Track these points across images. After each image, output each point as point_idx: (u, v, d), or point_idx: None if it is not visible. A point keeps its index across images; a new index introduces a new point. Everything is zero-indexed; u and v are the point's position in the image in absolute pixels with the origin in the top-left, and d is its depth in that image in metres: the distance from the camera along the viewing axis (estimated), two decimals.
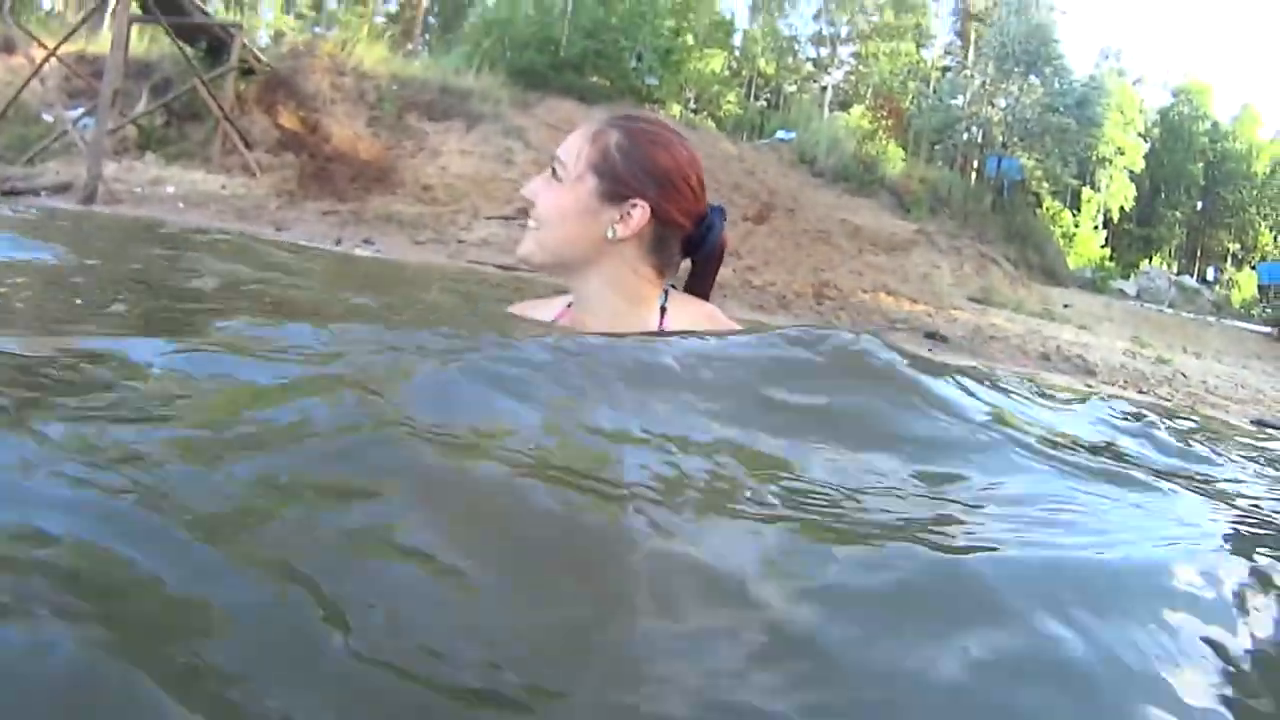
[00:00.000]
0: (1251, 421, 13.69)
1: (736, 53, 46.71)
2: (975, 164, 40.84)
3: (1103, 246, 46.27)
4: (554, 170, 2.50)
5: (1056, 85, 40.56)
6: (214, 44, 25.92)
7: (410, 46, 43.77)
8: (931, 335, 18.14)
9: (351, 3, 49.61)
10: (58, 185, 20.06)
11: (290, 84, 26.46)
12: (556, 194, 2.51)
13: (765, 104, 48.02)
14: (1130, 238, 51.84)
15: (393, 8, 50.96)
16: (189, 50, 24.93)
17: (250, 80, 26.03)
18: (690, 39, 38.34)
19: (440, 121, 28.07)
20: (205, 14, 26.91)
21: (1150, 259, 48.86)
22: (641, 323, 2.54)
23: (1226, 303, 45.90)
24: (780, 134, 34.36)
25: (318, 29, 45.73)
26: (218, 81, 24.69)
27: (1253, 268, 50.37)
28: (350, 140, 25.80)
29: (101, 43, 27.26)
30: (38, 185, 20.06)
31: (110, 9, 26.53)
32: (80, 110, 24.22)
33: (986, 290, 26.32)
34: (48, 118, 24.39)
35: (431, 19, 49.51)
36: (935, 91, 43.48)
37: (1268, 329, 34.12)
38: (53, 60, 24.00)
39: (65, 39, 24.70)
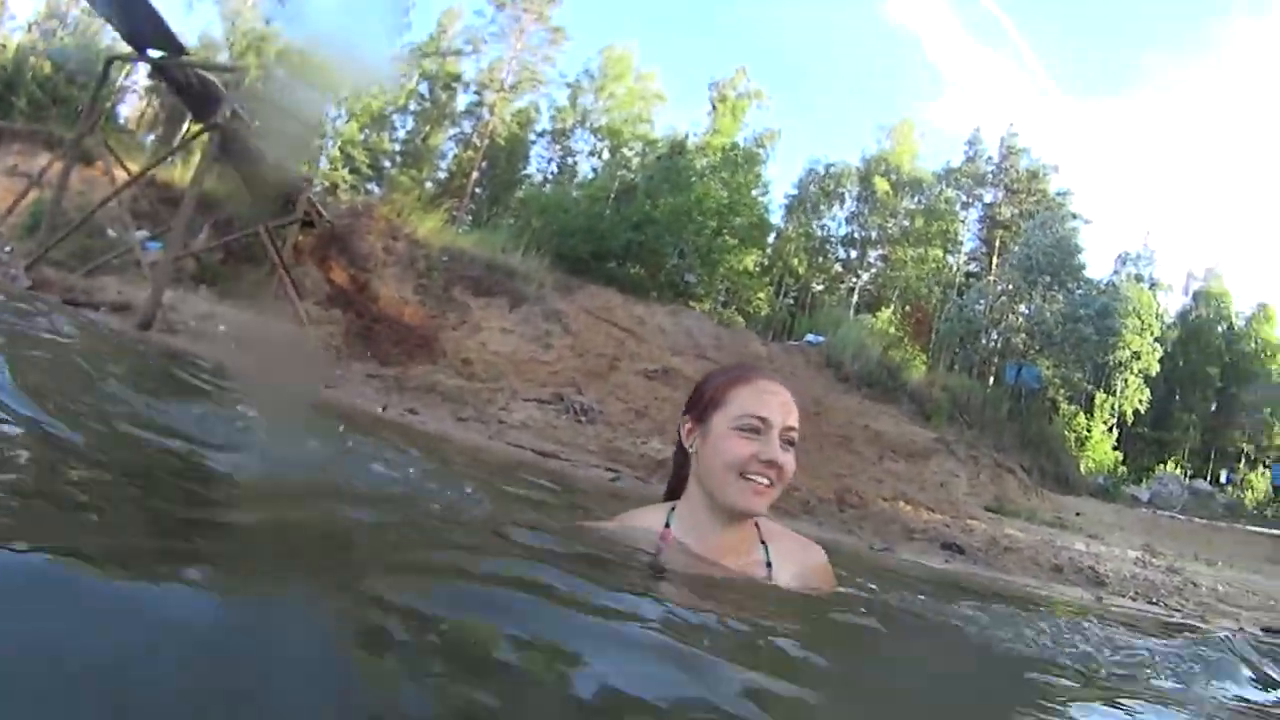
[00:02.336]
0: (1261, 629, 13.87)
1: (769, 250, 47.28)
2: (994, 370, 41.22)
3: (1115, 449, 46.23)
4: (792, 438, 3.01)
5: (1078, 295, 40.98)
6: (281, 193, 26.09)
7: (455, 214, 44.43)
8: (948, 546, 18.19)
9: (406, 166, 50.58)
10: (118, 304, 20.39)
11: (346, 241, 26.85)
12: (794, 458, 3.02)
13: (793, 301, 48.55)
14: (1144, 441, 51.49)
15: (443, 174, 51.92)
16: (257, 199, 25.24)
17: (309, 232, 26.26)
18: (731, 239, 38.97)
19: (484, 297, 28.46)
20: (281, 167, 27.28)
21: (1164, 463, 48.32)
22: (753, 543, 3.13)
23: (1240, 505, 45.55)
24: (810, 337, 34.62)
25: (371, 185, 46.85)
26: (280, 230, 24.95)
27: (1267, 467, 49.90)
28: (397, 304, 26.25)
29: (169, 169, 27.83)
30: (98, 300, 20.43)
31: (187, 140, 26.91)
32: (144, 233, 24.69)
33: (1001, 499, 26.25)
34: (111, 234, 24.80)
35: (479, 189, 50.43)
36: (960, 297, 44.03)
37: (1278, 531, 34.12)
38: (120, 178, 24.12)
39: (151, 167, 25.28)
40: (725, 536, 3.06)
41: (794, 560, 3.21)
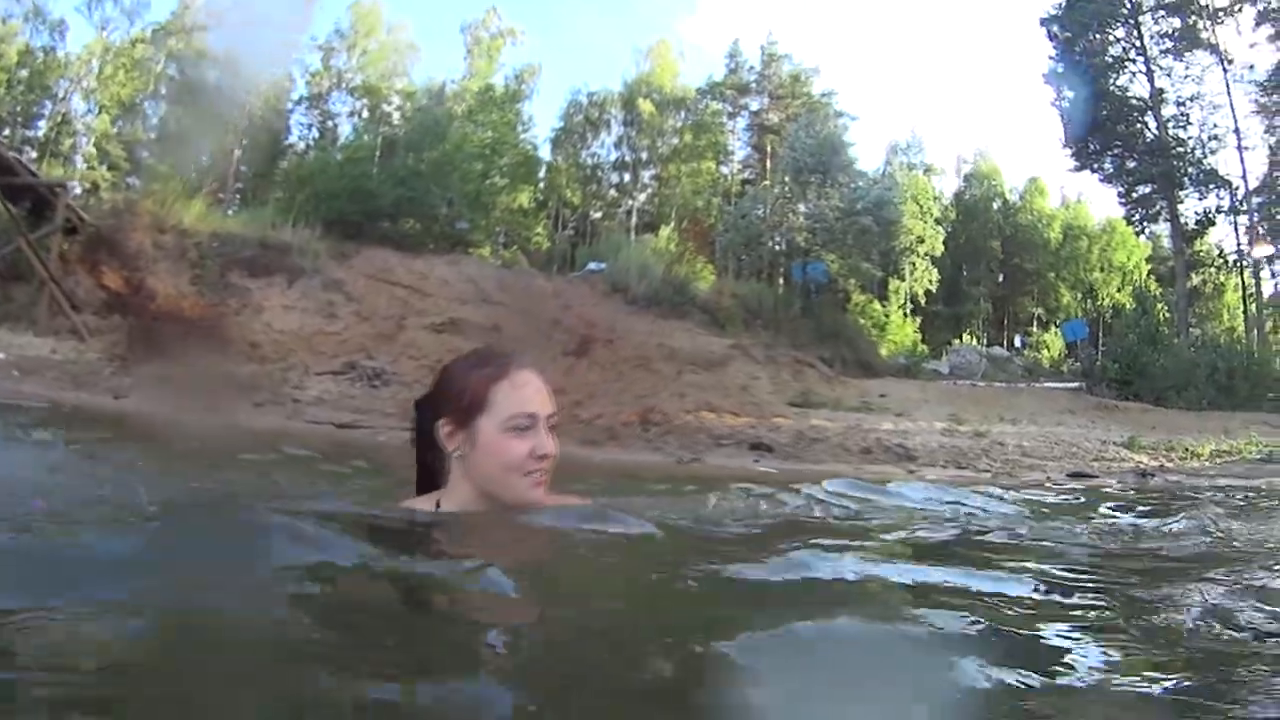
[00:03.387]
0: (1068, 474, 14.26)
1: (541, 185, 46.89)
2: (782, 272, 41.57)
3: (915, 331, 47.36)
4: (553, 423, 3.15)
5: (854, 189, 41.49)
6: (37, 203, 25.22)
7: (223, 196, 43.19)
8: (757, 446, 18.32)
9: (164, 152, 48.75)
10: None
11: (113, 243, 25.79)
12: (556, 442, 3.15)
13: (574, 232, 48.36)
14: (940, 319, 53.24)
15: (204, 158, 50.20)
16: (13, 210, 24.27)
17: (74, 240, 25.42)
18: (499, 179, 38.56)
19: (261, 277, 27.69)
20: (33, 173, 26.21)
21: (961, 336, 50.07)
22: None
23: (1037, 365, 47.22)
24: (591, 265, 34.63)
25: (130, 179, 45.09)
26: (42, 241, 24.12)
27: (1058, 327, 51.86)
28: (175, 299, 25.22)
29: None
30: None
31: None
32: None
33: (805, 393, 26.58)
34: None
35: (244, 167, 48.93)
36: (736, 207, 44.26)
37: (1076, 384, 35.21)
38: None
39: None
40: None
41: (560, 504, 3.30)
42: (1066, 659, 1.93)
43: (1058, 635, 2.15)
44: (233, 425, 15.34)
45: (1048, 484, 12.22)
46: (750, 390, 26.02)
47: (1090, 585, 2.87)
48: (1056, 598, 2.62)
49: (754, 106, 52.93)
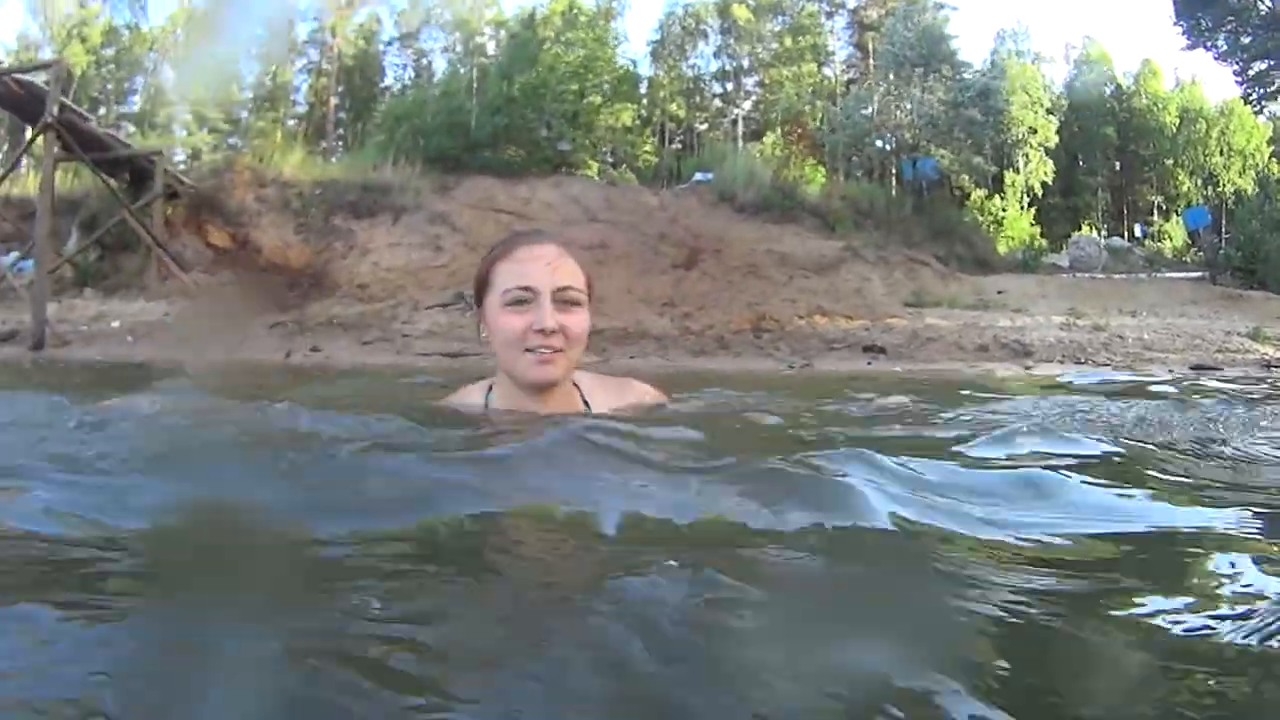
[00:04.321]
0: (1190, 367, 14.04)
1: (644, 101, 46.41)
2: (893, 171, 40.88)
3: (1032, 225, 46.50)
4: (571, 298, 3.05)
5: (959, 80, 40.66)
6: (137, 173, 25.84)
7: (324, 144, 43.53)
8: (870, 349, 18.13)
9: (262, 110, 49.23)
10: (3, 334, 20.01)
11: (215, 202, 26.38)
12: (581, 317, 3.09)
13: (680, 146, 47.87)
14: (1057, 211, 52.07)
15: (302, 108, 50.57)
16: (113, 183, 24.99)
17: (176, 204, 25.88)
18: (596, 98, 38.24)
19: (365, 219, 28.13)
20: (126, 145, 26.82)
21: (1080, 228, 49.01)
22: (575, 402, 3.25)
23: (1159, 256, 46.18)
24: (697, 176, 34.20)
25: (232, 141, 45.70)
26: (145, 210, 24.60)
27: (1180, 215, 50.47)
28: (281, 250, 25.92)
29: (22, 184, 27.15)
30: None
31: (24, 149, 26.44)
32: (12, 255, 24.09)
33: (919, 293, 26.37)
34: None
35: (342, 114, 49.17)
36: (841, 108, 43.52)
37: (1199, 274, 34.40)
38: None
39: None
40: (539, 403, 3.12)
41: (613, 400, 3.38)
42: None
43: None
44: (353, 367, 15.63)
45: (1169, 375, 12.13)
46: (863, 292, 25.92)
47: None
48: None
49: (851, 4, 51.86)
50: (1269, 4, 42.22)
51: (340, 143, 46.08)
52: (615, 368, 14.42)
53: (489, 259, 3.11)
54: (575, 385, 3.27)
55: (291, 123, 47.98)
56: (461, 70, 41.76)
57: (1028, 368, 15.19)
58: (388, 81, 51.16)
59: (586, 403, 3.23)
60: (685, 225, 28.06)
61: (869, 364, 15.75)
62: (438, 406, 3.42)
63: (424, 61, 50.39)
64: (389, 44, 51.47)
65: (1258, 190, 38.57)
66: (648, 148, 44.57)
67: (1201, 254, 39.22)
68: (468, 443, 2.78)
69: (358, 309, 22.79)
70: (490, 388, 3.23)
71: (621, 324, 20.03)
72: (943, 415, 4.59)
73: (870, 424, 4.35)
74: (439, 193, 29.30)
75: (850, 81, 48.72)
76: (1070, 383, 10.79)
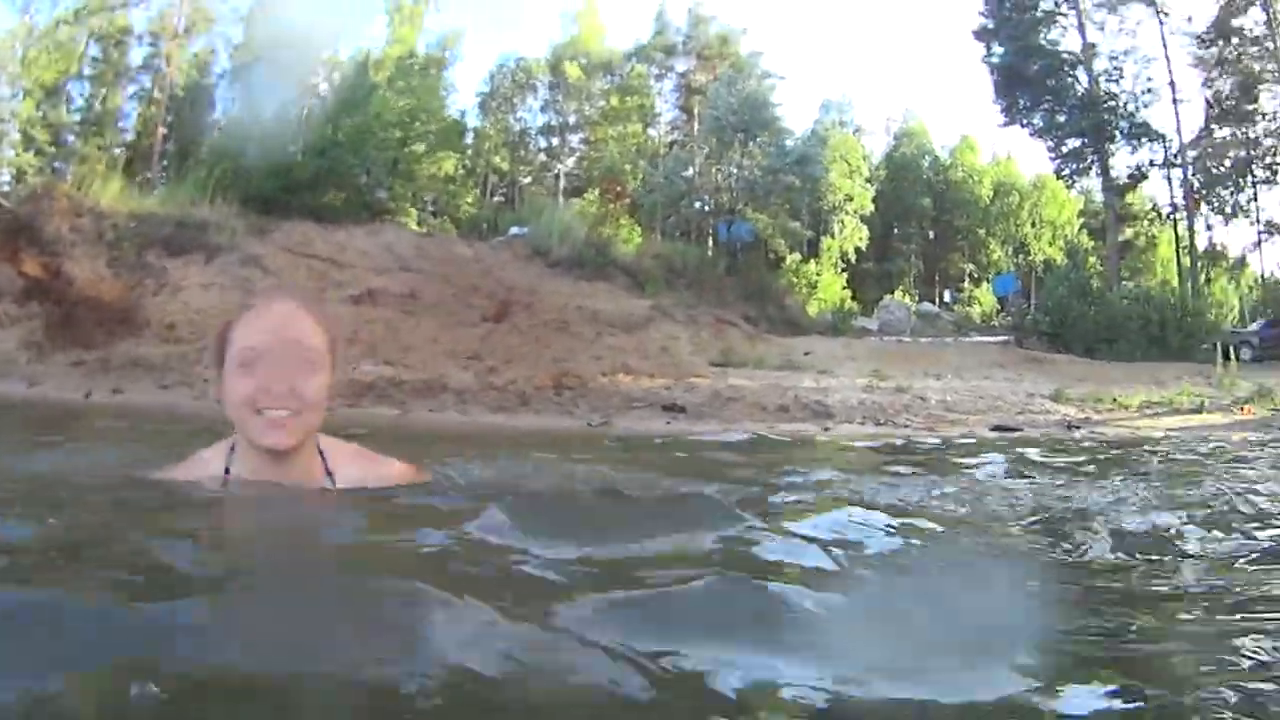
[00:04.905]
0: (991, 428, 14.33)
1: (469, 152, 46.38)
2: (709, 233, 41.53)
3: (845, 289, 47.52)
4: (305, 358, 2.84)
5: (776, 148, 41.50)
6: None
7: (148, 175, 42.57)
8: (670, 407, 18.27)
9: (90, 135, 47.89)
10: None
11: (31, 229, 25.38)
12: (317, 379, 2.87)
13: (502, 199, 47.93)
14: (870, 276, 53.64)
15: (129, 136, 49.26)
16: None
17: None
18: (420, 146, 38.16)
19: (179, 257, 27.31)
20: None
21: (891, 293, 50.38)
22: (316, 471, 3.03)
23: (967, 320, 47.75)
24: (513, 229, 34.37)
25: (58, 164, 44.42)
26: None
27: (989, 282, 52.18)
28: (94, 283, 24.86)
29: None
30: None
31: None
32: None
33: (726, 353, 26.56)
34: None
35: (170, 145, 48.07)
36: (661, 168, 44.08)
37: (1006, 338, 35.58)
38: None
39: None
40: (280, 470, 2.94)
41: (360, 474, 3.13)
42: None
43: None
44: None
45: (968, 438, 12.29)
46: (670, 351, 25.96)
47: None
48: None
49: (681, 68, 52.67)
50: (1085, 86, 44.14)
51: (163, 175, 45.08)
52: (413, 421, 14.47)
53: (232, 319, 2.91)
54: (320, 453, 3.08)
55: (118, 150, 46.82)
56: (290, 111, 41.41)
57: (827, 428, 15.40)
58: (217, 115, 50.20)
59: (330, 473, 3.04)
60: (498, 278, 28.06)
61: (668, 423, 15.89)
62: (162, 480, 3.14)
63: (255, 98, 49.62)
64: (222, 76, 50.56)
65: (1067, 259, 40.30)
66: (469, 199, 44.58)
67: (1009, 319, 40.63)
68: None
69: (163, 350, 22.23)
70: (233, 447, 3.01)
71: (424, 376, 19.93)
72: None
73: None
74: (255, 234, 28.76)
75: (674, 143, 49.47)
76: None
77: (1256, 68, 45.53)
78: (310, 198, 32.30)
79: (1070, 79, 45.42)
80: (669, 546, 2.62)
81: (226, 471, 2.99)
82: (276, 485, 2.89)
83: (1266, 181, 48.19)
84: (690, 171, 42.08)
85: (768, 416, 17.69)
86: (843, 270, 49.45)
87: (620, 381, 21.61)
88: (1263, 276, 51.51)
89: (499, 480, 4.17)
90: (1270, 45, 44.59)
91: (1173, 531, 3.40)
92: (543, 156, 52.17)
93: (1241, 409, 17.72)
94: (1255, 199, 49.09)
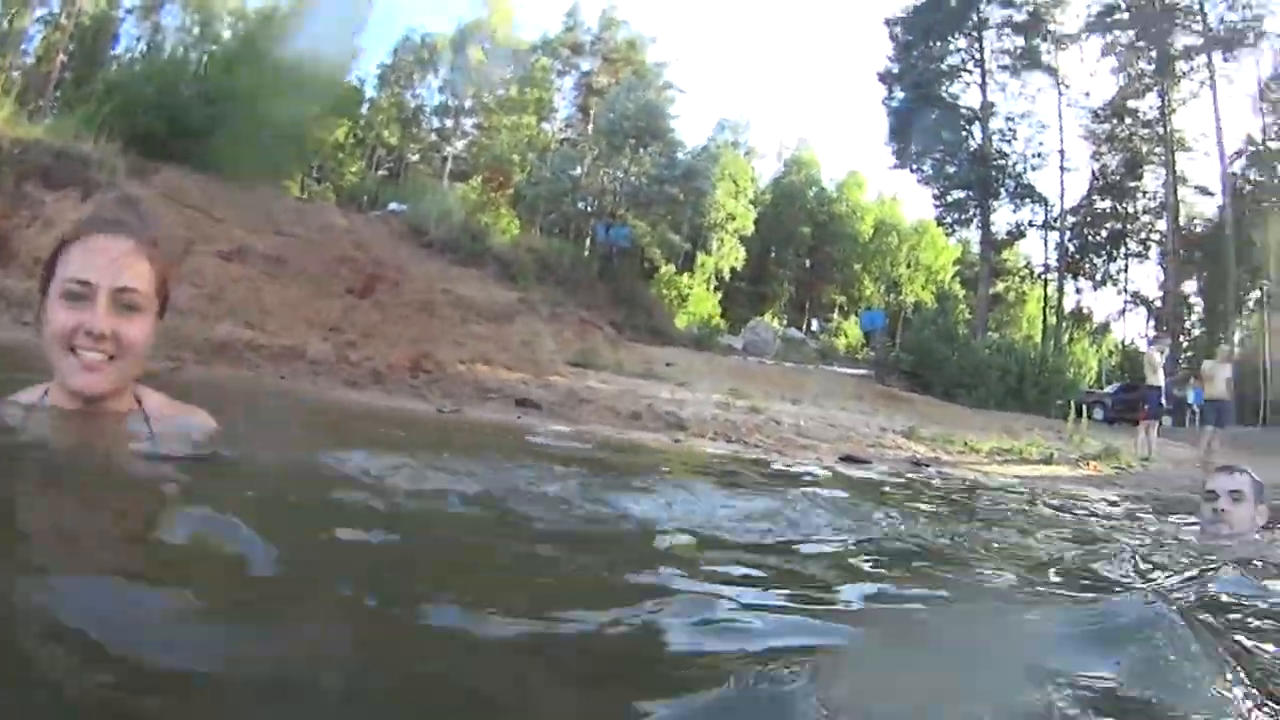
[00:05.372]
0: (840, 458, 14.46)
1: (362, 123, 45.96)
2: (591, 233, 41.72)
3: (716, 306, 47.96)
4: (131, 302, 2.63)
5: (666, 158, 41.77)
6: None
7: (40, 103, 41.49)
8: (523, 403, 18.24)
9: None
10: None
11: None
12: (140, 324, 2.68)
13: (388, 173, 47.58)
14: (743, 296, 54.23)
15: (30, 60, 47.92)
16: None
17: None
18: (314, 108, 37.67)
19: (57, 189, 26.59)
20: None
21: (761, 315, 50.87)
22: (130, 420, 2.83)
23: (832, 350, 48.47)
24: (392, 205, 34.23)
25: None
26: None
27: (858, 315, 53.00)
28: None
29: None
30: None
31: None
32: None
33: (587, 354, 26.71)
34: None
35: (68, 74, 46.86)
36: (549, 163, 44.17)
37: (867, 371, 36.21)
38: None
39: None
40: (90, 418, 2.75)
41: (177, 429, 2.95)
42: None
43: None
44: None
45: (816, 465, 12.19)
46: (532, 346, 25.92)
47: None
48: None
49: (585, 67, 53.05)
50: (978, 142, 45.27)
51: (55, 105, 43.94)
52: (265, 385, 14.37)
53: (61, 237, 2.65)
54: (138, 401, 2.87)
55: (15, 74, 45.54)
56: (192, 54, 40.57)
57: (677, 440, 15.44)
58: (119, 50, 49.05)
59: (148, 421, 2.79)
60: (370, 252, 27.82)
61: (519, 417, 15.89)
62: None
63: (159, 38, 48.61)
64: (129, 11, 49.42)
65: (937, 303, 41.01)
66: (354, 168, 44.18)
67: (873, 354, 41.29)
68: None
69: (27, 284, 21.73)
70: (46, 391, 2.78)
71: (283, 342, 19.68)
72: None
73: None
74: (136, 175, 27.95)
75: (565, 140, 49.56)
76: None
77: (1144, 148, 47.55)
78: (196, 146, 31.66)
79: (965, 133, 46.87)
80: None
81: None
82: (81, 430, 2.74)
83: (1138, 255, 50.49)
84: (578, 170, 42.37)
85: (619, 422, 17.65)
86: (716, 288, 50.03)
87: (478, 371, 21.48)
88: (1123, 343, 53.73)
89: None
90: (1160, 130, 46.39)
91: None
92: (434, 136, 52.06)
93: (1088, 465, 18.11)
94: (1126, 270, 51.40)
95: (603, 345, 28.85)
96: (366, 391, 16.57)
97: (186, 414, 3.10)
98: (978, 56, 46.66)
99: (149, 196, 27.09)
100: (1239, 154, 47.07)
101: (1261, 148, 46.12)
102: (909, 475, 11.71)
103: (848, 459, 14.30)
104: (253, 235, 26.43)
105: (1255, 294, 48.07)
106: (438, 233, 31.70)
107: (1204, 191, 48.40)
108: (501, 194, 39.70)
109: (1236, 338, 46.45)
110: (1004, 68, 46.93)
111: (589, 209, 42.40)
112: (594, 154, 42.24)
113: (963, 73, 47.07)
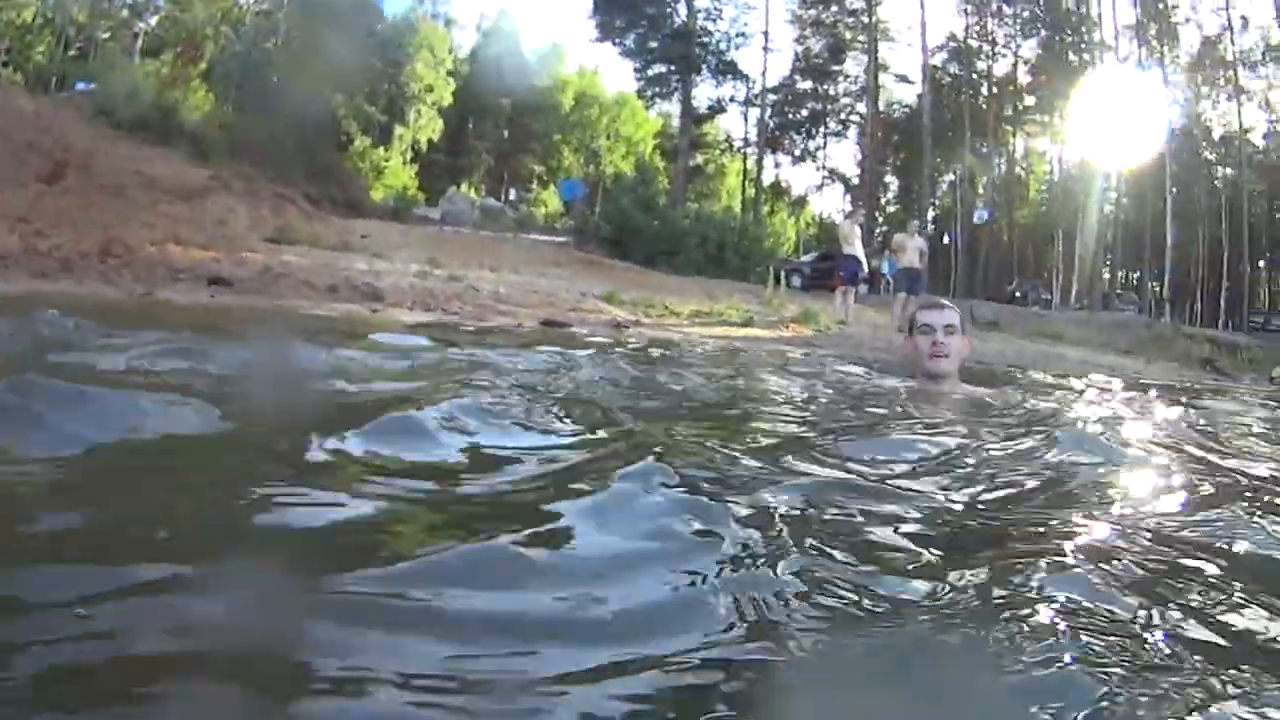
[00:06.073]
0: (541, 322, 15.07)
1: (52, 1, 43.97)
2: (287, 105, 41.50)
3: (413, 178, 48.20)
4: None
5: (364, 30, 41.66)
6: None
7: None
8: (215, 281, 18.22)
9: None
10: None
11: None
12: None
13: (78, 53, 45.72)
14: (439, 167, 54.31)
15: None
16: None
17: None
18: None
19: None
20: None
21: (459, 186, 51.08)
22: None
23: (530, 219, 49.27)
24: (80, 85, 33.39)
25: None
26: None
27: (557, 186, 54.40)
28: None
29: None
30: None
31: None
32: None
33: (283, 229, 26.56)
34: None
35: None
36: (242, 36, 43.51)
37: (566, 239, 37.65)
38: None
39: None
40: None
41: None
42: None
43: None
44: None
45: (517, 329, 12.59)
46: (226, 224, 25.69)
47: None
48: None
49: None
50: (682, 19, 46.69)
51: None
52: None
53: None
54: None
55: None
56: None
57: (375, 310, 15.46)
58: None
59: None
60: (57, 137, 27.21)
61: (212, 296, 16.00)
62: None
63: None
64: None
65: (636, 174, 42.56)
66: (43, 48, 42.44)
67: (572, 222, 42.23)
68: None
69: None
70: None
71: None
72: None
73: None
74: None
75: (260, 13, 48.51)
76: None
77: (849, 35, 50.26)
78: None
79: (670, 9, 48.15)
80: None
81: None
82: None
83: (837, 134, 53.75)
84: (271, 44, 41.65)
85: (316, 295, 17.85)
86: (413, 159, 50.23)
87: (170, 252, 21.38)
88: (821, 216, 57.23)
89: None
90: (865, 19, 49.09)
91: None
92: (125, 13, 49.45)
93: (787, 326, 18.60)
94: (825, 147, 54.43)
95: (298, 220, 28.87)
96: (56, 281, 16.72)
97: None
98: None
99: None
100: (940, 48, 50.57)
101: (961, 44, 49.54)
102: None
103: (548, 323, 14.61)
104: None
105: (949, 177, 52.05)
106: (127, 111, 31.12)
107: (904, 80, 52.48)
108: (194, 69, 38.98)
109: (930, 216, 50.00)
110: None
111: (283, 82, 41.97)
112: (287, 26, 41.68)
113: None
